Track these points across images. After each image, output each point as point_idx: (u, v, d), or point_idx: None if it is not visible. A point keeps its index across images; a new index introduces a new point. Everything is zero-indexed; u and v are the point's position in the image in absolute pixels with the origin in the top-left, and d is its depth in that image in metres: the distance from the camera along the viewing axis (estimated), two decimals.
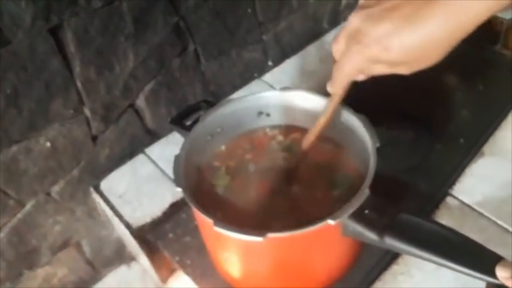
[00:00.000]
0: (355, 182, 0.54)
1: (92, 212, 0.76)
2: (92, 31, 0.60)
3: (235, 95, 0.82)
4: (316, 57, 0.89)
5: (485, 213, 0.60)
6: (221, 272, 0.58)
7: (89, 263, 0.80)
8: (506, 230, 0.58)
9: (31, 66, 0.57)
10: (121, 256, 0.84)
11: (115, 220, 0.71)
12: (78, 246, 0.78)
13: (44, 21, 0.55)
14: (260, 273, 0.53)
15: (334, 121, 0.56)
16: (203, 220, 0.48)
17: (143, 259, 0.75)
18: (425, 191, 0.64)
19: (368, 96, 0.62)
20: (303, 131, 0.60)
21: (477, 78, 0.76)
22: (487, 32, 0.79)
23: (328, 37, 0.94)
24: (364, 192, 0.46)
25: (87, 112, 0.66)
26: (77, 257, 0.78)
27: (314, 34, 0.93)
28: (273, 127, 0.61)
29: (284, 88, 0.60)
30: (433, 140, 0.67)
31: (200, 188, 0.56)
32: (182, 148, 0.54)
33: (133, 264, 0.84)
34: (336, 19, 0.96)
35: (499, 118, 0.71)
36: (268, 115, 0.61)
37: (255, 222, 0.53)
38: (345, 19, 0.96)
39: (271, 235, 0.44)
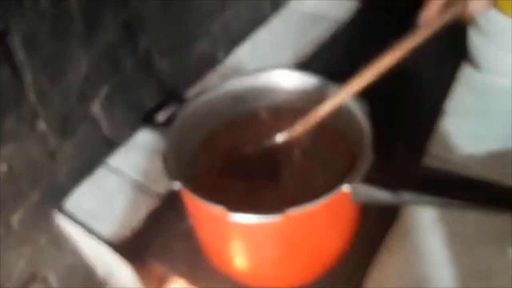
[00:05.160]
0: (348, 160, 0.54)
1: (56, 240, 0.70)
2: (41, 35, 0.55)
3: (194, 90, 0.80)
4: (266, 43, 0.89)
5: (462, 162, 0.63)
6: (224, 268, 0.55)
7: None
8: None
9: None
10: (91, 284, 0.78)
11: (87, 242, 0.65)
12: (45, 280, 0.71)
13: None
14: (271, 258, 0.52)
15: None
16: (209, 212, 0.46)
17: (120, 279, 0.70)
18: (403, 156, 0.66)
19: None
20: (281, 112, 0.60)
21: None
22: None
23: (272, 23, 0.94)
24: (370, 154, 0.46)
25: (42, 126, 0.60)
26: None
27: (258, 21, 0.94)
28: (252, 112, 0.60)
29: (256, 71, 0.59)
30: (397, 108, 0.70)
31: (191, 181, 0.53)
32: (168, 144, 0.51)
33: None
34: (277, 4, 0.97)
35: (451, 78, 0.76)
36: (244, 100, 0.59)
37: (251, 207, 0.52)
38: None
39: (289, 211, 0.43)
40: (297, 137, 0.55)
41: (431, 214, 0.58)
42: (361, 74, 0.50)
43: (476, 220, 0.56)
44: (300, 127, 0.55)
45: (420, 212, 0.59)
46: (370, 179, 0.46)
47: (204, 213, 0.50)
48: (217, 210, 0.44)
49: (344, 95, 0.52)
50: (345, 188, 0.45)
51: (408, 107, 0.70)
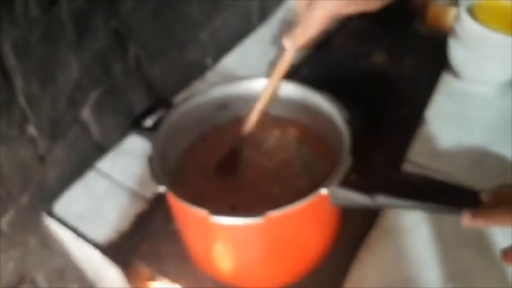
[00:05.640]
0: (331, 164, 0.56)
1: (45, 243, 0.70)
2: (32, 40, 0.56)
3: (182, 96, 0.81)
4: (253, 51, 0.90)
5: (442, 168, 0.65)
6: (209, 269, 0.56)
7: None
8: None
9: None
10: (79, 286, 0.79)
11: (77, 244, 0.66)
12: (34, 282, 0.71)
13: None
14: (254, 259, 0.53)
15: (299, 104, 0.58)
16: (194, 215, 0.47)
17: (109, 281, 0.71)
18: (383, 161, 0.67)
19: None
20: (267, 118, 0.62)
21: (403, 54, 0.83)
22: (405, 9, 0.86)
23: (260, 31, 0.96)
24: (348, 159, 0.48)
25: (32, 130, 0.61)
26: None
27: (246, 29, 0.95)
28: (237, 118, 0.61)
29: (241, 79, 0.61)
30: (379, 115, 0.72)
31: (176, 184, 0.55)
32: (154, 148, 0.52)
33: None
34: (265, 14, 0.98)
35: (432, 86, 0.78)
36: (228, 107, 0.61)
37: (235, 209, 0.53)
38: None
39: (269, 213, 0.45)
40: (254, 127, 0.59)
41: (412, 216, 0.60)
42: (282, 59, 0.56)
43: (455, 222, 0.58)
44: (252, 118, 0.58)
45: (401, 214, 0.60)
46: (349, 183, 0.47)
47: (188, 216, 0.51)
48: (201, 213, 0.46)
49: (276, 80, 0.57)
50: (323, 191, 0.46)
51: (389, 114, 0.72)
